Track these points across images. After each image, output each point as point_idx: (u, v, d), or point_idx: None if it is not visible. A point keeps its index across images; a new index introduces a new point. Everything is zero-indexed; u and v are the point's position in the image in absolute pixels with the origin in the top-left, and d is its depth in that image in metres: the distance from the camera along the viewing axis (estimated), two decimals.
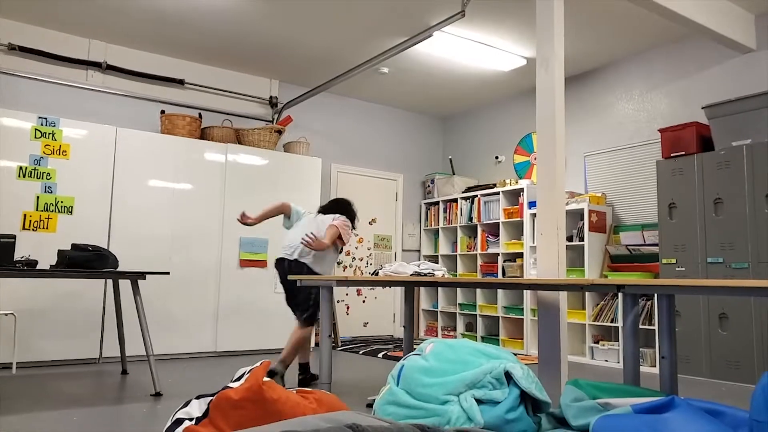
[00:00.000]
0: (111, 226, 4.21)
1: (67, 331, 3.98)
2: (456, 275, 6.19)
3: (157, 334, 4.22)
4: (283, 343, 4.80)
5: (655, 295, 2.71)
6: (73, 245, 3.24)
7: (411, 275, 2.44)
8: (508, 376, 1.68)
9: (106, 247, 3.88)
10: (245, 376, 1.63)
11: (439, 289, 6.38)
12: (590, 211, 4.84)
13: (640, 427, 1.37)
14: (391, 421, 1.08)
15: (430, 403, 1.63)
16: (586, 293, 4.84)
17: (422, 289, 6.54)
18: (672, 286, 1.65)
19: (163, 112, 4.80)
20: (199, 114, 4.93)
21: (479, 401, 1.63)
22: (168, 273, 3.07)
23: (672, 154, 4.24)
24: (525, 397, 1.69)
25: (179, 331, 4.42)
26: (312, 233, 3.05)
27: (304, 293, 3.12)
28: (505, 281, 2.04)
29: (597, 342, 4.76)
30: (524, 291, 5.37)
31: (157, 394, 2.96)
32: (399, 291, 6.43)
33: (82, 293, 4.06)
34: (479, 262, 5.90)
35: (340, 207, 3.50)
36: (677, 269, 4.13)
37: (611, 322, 4.64)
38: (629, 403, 1.57)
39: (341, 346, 5.40)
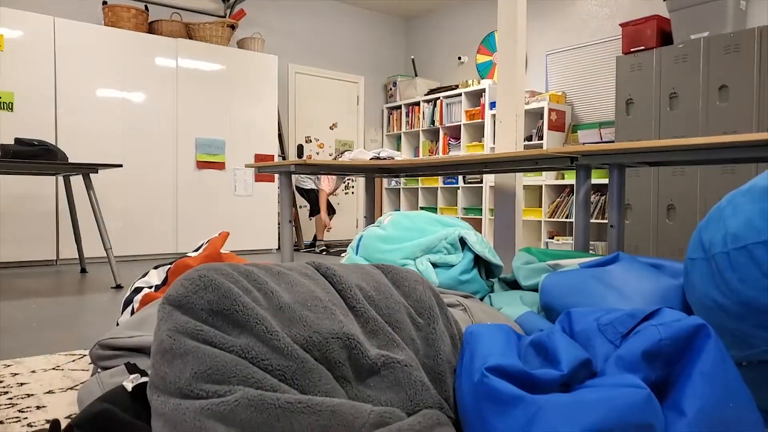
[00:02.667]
0: (57, 126, 4.02)
1: (20, 234, 3.88)
2: (417, 180, 6.23)
3: (115, 237, 4.16)
4: (245, 244, 4.86)
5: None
6: (17, 139, 3.08)
7: (371, 159, 2.44)
8: (462, 242, 1.72)
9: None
10: (204, 246, 1.63)
11: (401, 194, 6.43)
12: (550, 110, 4.86)
13: (586, 278, 1.44)
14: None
15: None
16: (543, 191, 4.95)
17: (384, 194, 6.58)
18: (621, 153, 1.69)
19: (105, 2, 4.47)
20: (146, 6, 4.60)
21: (435, 265, 1.68)
22: (121, 165, 2.97)
23: (632, 50, 4.23)
24: (478, 262, 1.74)
25: (139, 233, 4.37)
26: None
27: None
28: (463, 159, 2.05)
29: (552, 237, 4.94)
30: (483, 193, 5.47)
31: (118, 287, 2.96)
32: (362, 197, 6.45)
33: (32, 194, 3.93)
34: None
35: None
36: None
37: (566, 218, 4.80)
38: (577, 263, 1.64)
39: (304, 249, 5.46)
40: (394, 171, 2.62)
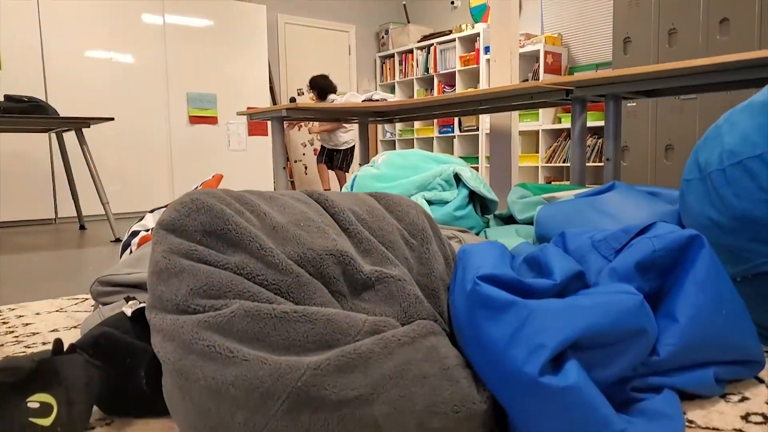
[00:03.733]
0: (47, 86, 3.94)
1: (17, 193, 3.87)
2: (413, 131, 6.17)
3: (112, 195, 4.15)
4: None
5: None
6: (6, 96, 3.03)
7: (363, 101, 2.40)
8: (457, 178, 1.71)
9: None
10: (198, 188, 1.63)
11: (397, 145, 6.38)
12: (546, 53, 4.77)
13: (581, 206, 1.44)
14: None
15: None
16: (540, 136, 4.92)
17: (379, 146, 6.53)
18: (616, 82, 1.66)
19: None
20: None
21: (430, 202, 1.68)
22: (113, 119, 2.93)
23: None
24: (473, 198, 1.74)
25: (134, 191, 4.35)
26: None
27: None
28: (458, 97, 2.02)
29: (549, 183, 4.94)
30: (479, 141, 5.43)
31: (117, 240, 2.97)
32: (356, 148, 6.41)
33: (27, 153, 3.89)
34: None
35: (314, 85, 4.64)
36: (629, 104, 4.19)
37: (563, 162, 4.78)
38: (573, 194, 1.63)
39: None
40: (387, 114, 2.59)
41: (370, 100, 2.36)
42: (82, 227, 3.65)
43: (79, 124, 2.91)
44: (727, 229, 1.04)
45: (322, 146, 5.03)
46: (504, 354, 0.66)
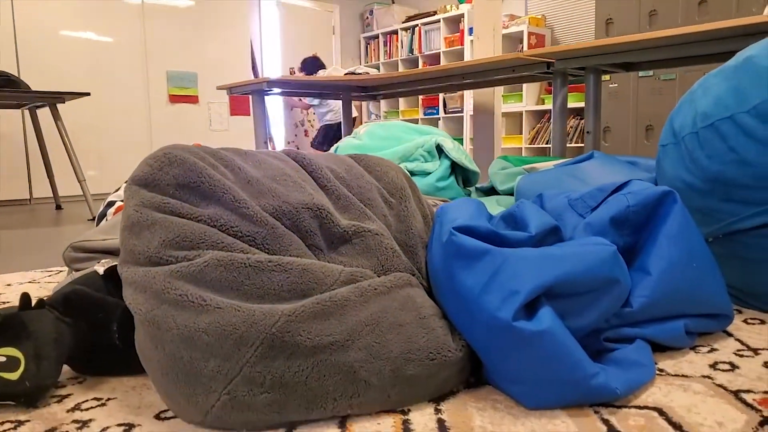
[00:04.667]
0: (19, 66, 3.85)
1: None
2: (398, 113, 6.15)
3: (90, 177, 4.08)
4: None
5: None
6: None
7: (346, 74, 2.38)
8: (439, 149, 1.71)
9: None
10: None
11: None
12: (529, 34, 4.77)
13: (560, 175, 1.45)
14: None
15: None
16: (523, 118, 4.93)
17: (364, 117, 6.50)
18: (597, 54, 1.66)
19: None
20: None
21: (412, 173, 1.67)
22: (89, 94, 2.87)
23: None
24: (455, 170, 1.74)
25: (114, 171, 4.29)
26: None
27: None
28: (441, 70, 2.01)
29: None
30: (464, 122, 5.42)
31: (94, 219, 2.92)
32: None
33: None
34: (420, 96, 5.84)
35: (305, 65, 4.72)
36: (610, 86, 4.22)
37: (546, 143, 4.80)
38: (553, 164, 1.64)
39: None
40: (371, 89, 2.57)
41: (353, 73, 2.34)
42: (58, 207, 3.59)
43: (53, 99, 2.85)
44: (700, 190, 1.05)
45: (323, 126, 4.96)
46: (478, 301, 0.67)
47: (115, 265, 0.84)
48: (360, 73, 2.31)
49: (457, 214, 0.77)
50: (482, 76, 2.03)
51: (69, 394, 0.74)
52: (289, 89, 2.39)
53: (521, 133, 4.98)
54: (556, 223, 0.83)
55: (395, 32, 6.03)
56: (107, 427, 0.65)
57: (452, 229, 0.72)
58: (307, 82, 2.28)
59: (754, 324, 0.96)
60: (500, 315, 0.64)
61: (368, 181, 0.89)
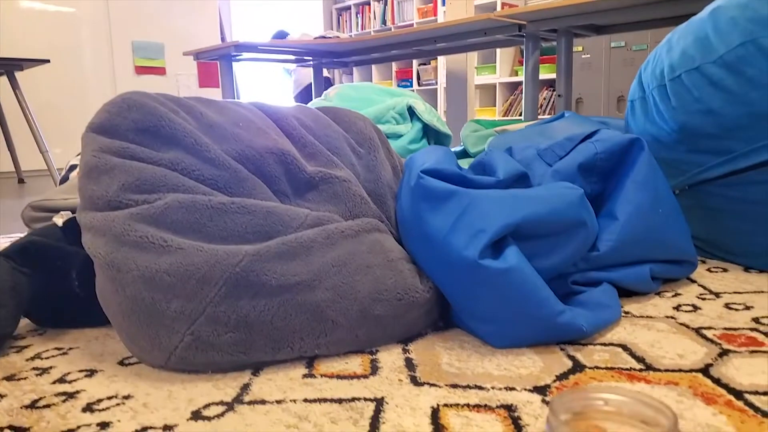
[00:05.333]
0: None
1: None
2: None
3: (56, 153, 3.96)
4: None
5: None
6: None
7: (316, 38, 2.33)
8: (411, 111, 1.69)
9: None
10: None
11: None
12: (503, 4, 4.74)
13: (530, 133, 1.45)
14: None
15: None
16: (497, 90, 4.93)
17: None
18: (568, 15, 1.66)
19: None
20: None
21: None
22: (48, 61, 2.77)
23: None
24: (427, 132, 1.73)
25: (78, 143, 4.16)
26: None
27: None
28: (415, 31, 1.98)
29: None
30: (438, 95, 5.40)
31: None
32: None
33: None
34: (394, 68, 5.80)
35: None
36: (583, 56, 4.24)
37: (519, 116, 4.82)
38: (524, 125, 1.64)
39: None
40: (342, 55, 2.53)
41: (324, 38, 2.29)
42: (21, 181, 3.48)
43: (11, 66, 2.74)
44: (666, 143, 1.06)
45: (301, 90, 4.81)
46: (445, 241, 0.66)
47: (75, 217, 0.82)
48: (330, 37, 2.26)
49: (425, 159, 0.77)
50: (454, 39, 2.02)
51: (29, 345, 0.72)
52: (258, 54, 2.34)
53: (495, 106, 4.98)
54: (525, 170, 0.82)
55: (368, 3, 5.94)
56: (68, 373, 0.63)
57: (420, 172, 0.71)
58: (277, 46, 2.23)
59: (717, 272, 0.98)
60: (466, 254, 0.64)
61: (336, 130, 0.88)
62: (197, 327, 0.59)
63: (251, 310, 0.60)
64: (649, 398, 0.33)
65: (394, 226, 0.82)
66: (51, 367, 0.65)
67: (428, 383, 0.58)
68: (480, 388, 0.57)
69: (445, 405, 0.53)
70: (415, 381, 0.59)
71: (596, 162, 0.86)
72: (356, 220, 0.72)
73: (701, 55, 1.00)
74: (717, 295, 0.85)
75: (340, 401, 0.55)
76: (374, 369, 0.62)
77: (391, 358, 0.65)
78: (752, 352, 0.64)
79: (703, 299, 0.83)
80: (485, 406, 0.53)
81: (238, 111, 0.81)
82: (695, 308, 0.79)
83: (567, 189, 0.74)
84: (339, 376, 0.60)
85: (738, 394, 0.54)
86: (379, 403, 0.54)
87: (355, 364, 0.64)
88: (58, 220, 0.81)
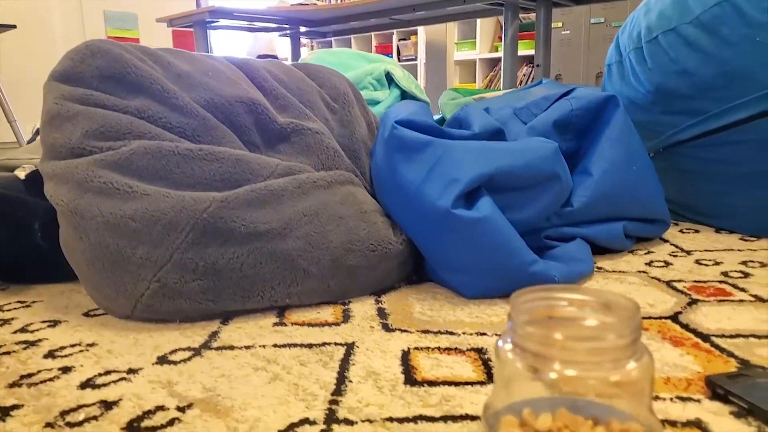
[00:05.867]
0: None
1: None
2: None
3: (27, 130, 3.85)
4: None
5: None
6: None
7: (293, 5, 2.28)
8: (389, 78, 1.67)
9: None
10: None
11: None
12: None
13: (508, 98, 1.44)
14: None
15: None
16: (477, 66, 4.91)
17: None
18: None
19: None
20: None
21: None
22: (14, 26, 2.67)
23: None
24: (405, 99, 1.71)
25: None
26: None
27: None
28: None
29: None
30: (418, 70, 5.36)
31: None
32: None
33: None
34: (374, 42, 5.73)
35: None
36: (562, 33, 4.23)
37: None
38: (502, 92, 1.63)
39: None
40: (319, 23, 2.48)
41: (301, 5, 2.25)
42: None
43: None
44: (642, 105, 1.06)
45: None
46: (418, 191, 0.65)
47: (37, 170, 0.79)
48: (307, 4, 2.22)
49: (399, 111, 0.75)
50: (433, 7, 1.99)
51: None
52: (233, 21, 2.28)
53: (474, 82, 4.96)
54: (501, 127, 0.82)
55: None
56: (30, 324, 0.62)
57: (394, 123, 0.70)
58: (254, 13, 2.18)
59: (689, 233, 1.00)
60: (440, 203, 0.63)
61: (309, 84, 0.86)
62: (164, 274, 0.58)
63: (220, 258, 0.59)
64: (610, 293, 0.33)
65: (368, 183, 0.81)
66: (12, 319, 0.63)
67: (400, 329, 0.58)
68: (451, 333, 0.57)
69: (416, 348, 0.53)
70: (386, 328, 0.58)
71: (571, 119, 0.85)
72: (329, 171, 0.71)
73: (678, 15, 1.00)
74: (688, 252, 0.86)
75: (310, 346, 0.54)
76: (346, 317, 0.61)
77: (363, 308, 0.64)
78: (720, 301, 0.65)
79: (675, 256, 0.84)
80: (456, 349, 0.53)
81: (208, 61, 0.79)
82: (667, 264, 0.80)
83: (542, 142, 0.74)
84: (310, 324, 0.60)
85: (705, 337, 0.55)
86: (350, 347, 0.54)
87: (327, 313, 0.63)
88: (20, 173, 0.78)
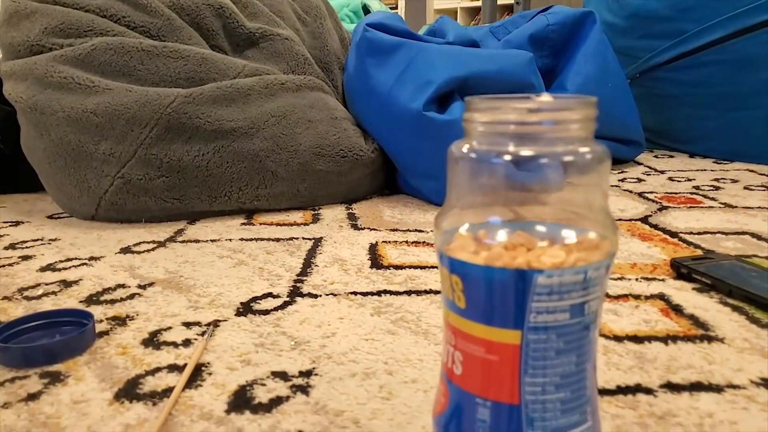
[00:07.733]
0: None
1: None
2: None
3: None
4: None
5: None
6: None
7: None
8: (366, 10, 1.63)
9: None
10: None
11: None
12: None
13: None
14: None
15: None
16: (458, 15, 4.81)
17: None
18: None
19: None
20: None
21: None
22: None
23: None
24: None
25: None
26: None
27: None
28: None
29: None
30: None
31: None
32: None
33: None
34: None
35: None
36: None
37: None
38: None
39: None
40: None
41: None
42: None
43: None
44: (621, 29, 1.05)
45: None
46: (390, 95, 0.64)
47: None
48: None
49: (372, 18, 0.73)
50: None
51: None
52: None
53: None
54: (476, 39, 0.80)
55: None
56: None
57: (366, 25, 0.68)
58: None
59: (663, 158, 1.00)
60: (412, 106, 0.62)
61: None
62: (128, 170, 0.56)
63: (185, 155, 0.57)
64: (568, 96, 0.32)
65: (341, 97, 0.79)
66: None
67: (369, 228, 0.58)
68: (420, 231, 0.56)
69: (384, 242, 0.53)
70: (355, 227, 0.58)
71: (548, 34, 0.84)
72: (299, 75, 0.69)
73: None
74: (662, 172, 0.87)
75: (278, 240, 0.54)
76: (315, 219, 0.61)
77: (333, 212, 0.64)
78: (690, 207, 0.66)
79: (648, 175, 0.85)
80: (423, 242, 0.53)
81: None
82: (639, 180, 0.81)
83: (516, 51, 0.73)
84: (278, 224, 0.59)
85: (673, 234, 0.56)
86: (318, 241, 0.53)
87: (297, 216, 0.62)
88: None
